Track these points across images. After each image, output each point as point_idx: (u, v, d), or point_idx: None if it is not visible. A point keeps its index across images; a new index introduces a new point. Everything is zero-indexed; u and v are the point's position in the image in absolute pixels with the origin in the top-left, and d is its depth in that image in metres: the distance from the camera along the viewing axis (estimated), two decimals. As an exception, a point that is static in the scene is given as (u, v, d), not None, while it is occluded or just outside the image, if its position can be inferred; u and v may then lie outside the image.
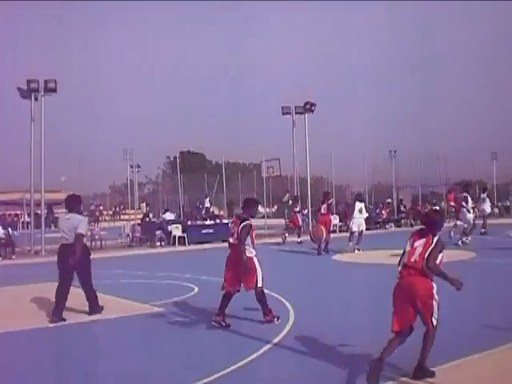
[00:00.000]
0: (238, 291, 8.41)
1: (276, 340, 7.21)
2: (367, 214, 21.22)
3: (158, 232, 24.62)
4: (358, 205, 19.67)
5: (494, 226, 29.90)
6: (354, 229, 19.32)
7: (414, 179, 38.78)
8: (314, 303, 10.09)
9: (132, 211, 31.41)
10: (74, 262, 8.88)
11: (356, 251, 18.77)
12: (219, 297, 10.33)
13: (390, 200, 36.46)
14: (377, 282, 12.74)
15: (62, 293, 9.09)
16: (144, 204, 32.27)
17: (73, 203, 9.71)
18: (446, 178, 39.78)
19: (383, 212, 32.97)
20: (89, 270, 9.44)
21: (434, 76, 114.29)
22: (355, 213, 19.49)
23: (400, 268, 5.66)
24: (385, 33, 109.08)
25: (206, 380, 5.66)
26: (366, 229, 24.42)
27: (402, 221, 34.30)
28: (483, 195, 23.55)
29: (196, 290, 11.67)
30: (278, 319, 8.26)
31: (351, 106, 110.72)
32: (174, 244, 23.80)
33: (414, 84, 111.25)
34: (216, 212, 35.04)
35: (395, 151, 37.54)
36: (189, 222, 25.93)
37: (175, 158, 47.81)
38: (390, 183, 39.07)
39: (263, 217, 32.49)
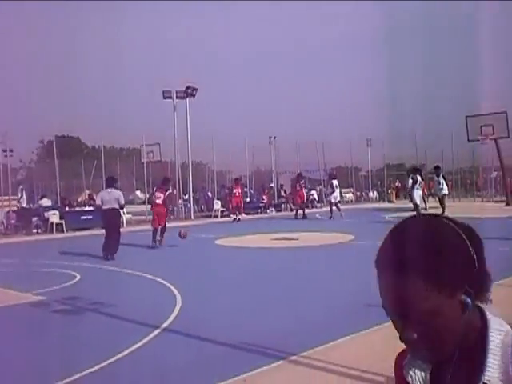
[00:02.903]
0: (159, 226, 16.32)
1: (165, 325, 7.16)
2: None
3: (34, 219, 23.70)
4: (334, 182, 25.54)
5: (370, 210, 31.27)
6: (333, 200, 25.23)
7: (293, 164, 39.64)
8: (201, 288, 10.11)
9: (6, 197, 29.89)
10: (120, 223, 15.61)
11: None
12: (102, 283, 10.32)
13: (272, 185, 37.09)
14: (259, 265, 13.01)
15: (109, 240, 14.25)
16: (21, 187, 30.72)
17: (111, 182, 15.21)
18: (324, 163, 41.02)
19: (264, 197, 33.51)
20: (119, 226, 15.24)
21: (309, 66, 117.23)
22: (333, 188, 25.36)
23: None
24: (265, 21, 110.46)
25: (92, 369, 5.53)
26: (247, 213, 26.01)
27: (282, 205, 35.04)
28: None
29: (78, 277, 11.35)
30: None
31: (232, 92, 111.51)
32: (51, 231, 23.00)
33: (292, 71, 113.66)
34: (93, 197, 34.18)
35: (275, 137, 38.19)
36: (66, 208, 25.18)
37: (49, 142, 46.12)
38: (270, 168, 39.73)
39: (143, 202, 32.08)
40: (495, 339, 1.17)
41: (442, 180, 23.19)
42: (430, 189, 27.63)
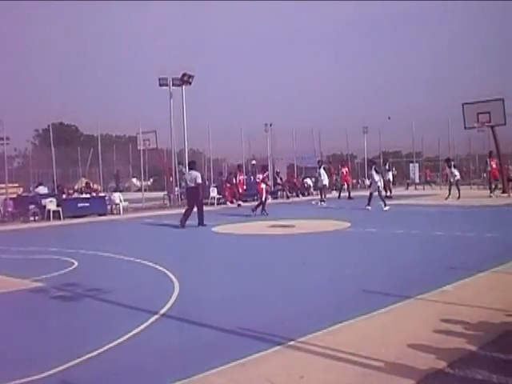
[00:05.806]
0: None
1: (163, 311, 7.21)
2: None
3: (31, 206, 23.70)
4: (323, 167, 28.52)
5: (367, 197, 31.24)
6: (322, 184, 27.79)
7: (288, 152, 39.56)
8: (198, 274, 10.16)
9: (2, 185, 29.82)
10: (200, 198, 18.26)
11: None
12: (100, 269, 10.37)
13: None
14: (256, 252, 13.07)
15: (188, 212, 18.20)
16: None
17: (192, 165, 19.30)
18: (320, 151, 40.98)
19: (260, 184, 33.39)
20: (202, 200, 18.80)
21: (306, 53, 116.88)
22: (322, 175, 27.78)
23: None
24: (261, 9, 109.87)
25: (92, 354, 5.57)
26: (244, 201, 26.13)
27: (279, 193, 35.03)
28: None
29: (76, 264, 11.38)
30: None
31: (228, 80, 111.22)
32: (48, 218, 23.02)
33: (288, 58, 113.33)
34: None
35: (271, 124, 38.07)
36: (64, 196, 25.16)
37: (45, 130, 45.95)
38: (265, 156, 39.63)
39: (139, 190, 31.99)
40: None
41: (453, 169, 27.13)
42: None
